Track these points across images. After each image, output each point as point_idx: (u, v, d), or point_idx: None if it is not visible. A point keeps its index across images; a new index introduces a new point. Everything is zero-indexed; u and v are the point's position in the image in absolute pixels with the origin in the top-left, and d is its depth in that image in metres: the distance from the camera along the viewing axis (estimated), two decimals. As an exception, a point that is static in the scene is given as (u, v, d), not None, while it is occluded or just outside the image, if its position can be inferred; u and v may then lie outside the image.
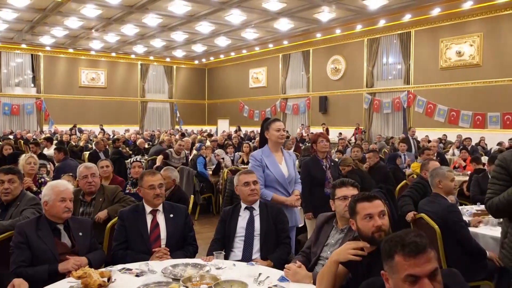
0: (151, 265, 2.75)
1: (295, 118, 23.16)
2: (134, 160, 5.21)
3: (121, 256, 3.09)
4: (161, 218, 3.23)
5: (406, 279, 1.61)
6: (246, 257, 3.11)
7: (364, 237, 2.25)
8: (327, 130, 18.97)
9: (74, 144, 12.67)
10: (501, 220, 3.78)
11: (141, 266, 2.73)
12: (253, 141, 14.34)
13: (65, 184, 3.08)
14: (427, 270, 1.61)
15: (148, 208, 3.25)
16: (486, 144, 13.75)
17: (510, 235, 2.61)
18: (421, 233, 1.72)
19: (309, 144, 10.69)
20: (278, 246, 3.21)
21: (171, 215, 3.24)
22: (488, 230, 3.76)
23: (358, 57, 19.72)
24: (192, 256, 3.24)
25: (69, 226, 3.01)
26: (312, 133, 19.03)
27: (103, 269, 2.57)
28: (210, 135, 15.58)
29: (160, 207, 3.27)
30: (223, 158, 9.02)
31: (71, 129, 19.75)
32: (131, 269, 2.72)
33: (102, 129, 21.15)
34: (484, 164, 6.84)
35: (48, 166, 7.01)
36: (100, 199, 3.79)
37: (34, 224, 2.92)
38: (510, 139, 13.60)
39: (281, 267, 2.95)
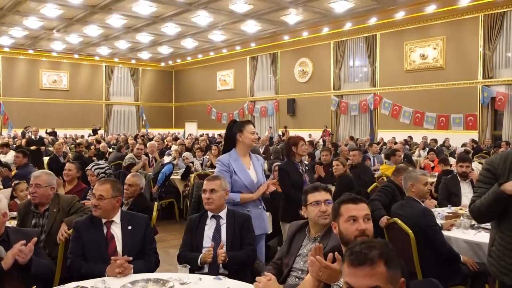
0: (108, 283, 2.51)
1: (263, 120, 23.08)
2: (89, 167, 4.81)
3: (77, 267, 2.83)
4: (117, 230, 2.97)
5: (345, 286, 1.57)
6: (213, 269, 2.92)
7: (346, 241, 2.09)
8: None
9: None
10: (474, 222, 3.75)
11: (97, 284, 2.49)
12: (221, 144, 14.09)
13: None
14: (363, 285, 1.50)
15: (103, 219, 3.01)
16: (450, 145, 14.04)
17: (498, 243, 2.52)
18: (377, 245, 1.54)
19: (278, 147, 10.52)
20: None
21: (129, 227, 2.99)
22: (461, 234, 3.69)
23: (325, 60, 19.83)
24: (154, 268, 3.01)
25: (9, 239, 2.73)
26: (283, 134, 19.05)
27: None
28: (176, 139, 15.22)
29: (117, 218, 3.01)
30: (192, 162, 8.77)
31: (23, 133, 18.77)
32: (86, 287, 2.48)
33: (48, 132, 19.97)
34: (451, 165, 6.87)
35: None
36: (54, 210, 3.46)
37: None
38: (472, 140, 13.95)
39: (238, 271, 2.79)
